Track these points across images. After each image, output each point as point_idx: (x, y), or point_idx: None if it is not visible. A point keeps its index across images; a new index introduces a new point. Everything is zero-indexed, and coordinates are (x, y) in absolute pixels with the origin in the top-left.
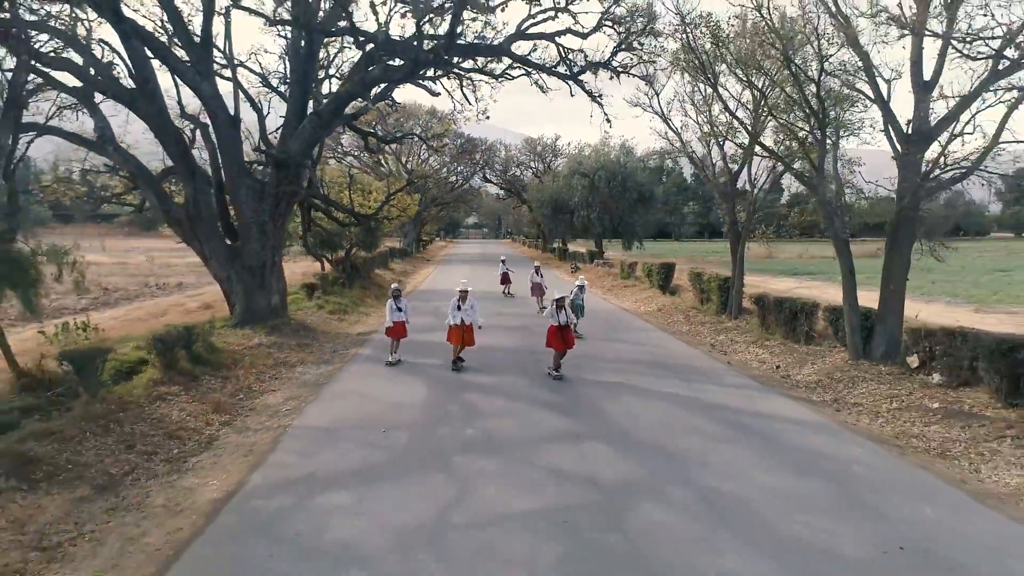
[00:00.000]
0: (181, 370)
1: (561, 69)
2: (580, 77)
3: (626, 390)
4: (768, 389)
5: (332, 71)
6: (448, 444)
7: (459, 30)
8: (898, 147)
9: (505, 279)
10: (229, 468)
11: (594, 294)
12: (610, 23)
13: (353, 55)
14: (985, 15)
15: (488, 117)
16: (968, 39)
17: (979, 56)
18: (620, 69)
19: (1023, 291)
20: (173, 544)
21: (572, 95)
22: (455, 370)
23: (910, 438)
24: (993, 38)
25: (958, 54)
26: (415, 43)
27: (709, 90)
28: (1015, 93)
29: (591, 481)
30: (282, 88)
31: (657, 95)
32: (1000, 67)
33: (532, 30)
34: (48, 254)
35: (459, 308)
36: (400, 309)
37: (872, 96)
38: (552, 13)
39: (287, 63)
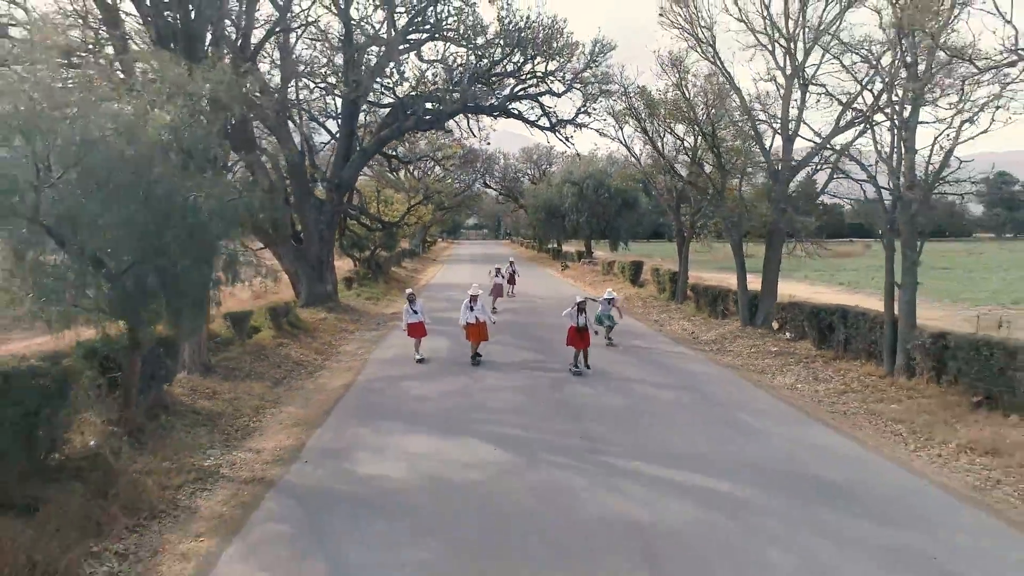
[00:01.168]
0: (285, 331)
1: (543, 122)
2: (556, 128)
3: None
4: (678, 344)
5: (364, 106)
6: (467, 364)
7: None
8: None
9: (511, 280)
10: (342, 376)
11: (578, 287)
12: (578, 85)
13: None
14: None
15: (489, 143)
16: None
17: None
18: (581, 124)
19: (950, 286)
20: (331, 399)
21: (548, 143)
22: (474, 364)
23: (749, 366)
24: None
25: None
26: (438, 111)
27: (655, 131)
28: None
29: (547, 376)
30: (320, 118)
31: (621, 128)
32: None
33: (521, 92)
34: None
35: (471, 309)
36: (416, 312)
37: (757, 143)
38: (535, 81)
39: (335, 103)
